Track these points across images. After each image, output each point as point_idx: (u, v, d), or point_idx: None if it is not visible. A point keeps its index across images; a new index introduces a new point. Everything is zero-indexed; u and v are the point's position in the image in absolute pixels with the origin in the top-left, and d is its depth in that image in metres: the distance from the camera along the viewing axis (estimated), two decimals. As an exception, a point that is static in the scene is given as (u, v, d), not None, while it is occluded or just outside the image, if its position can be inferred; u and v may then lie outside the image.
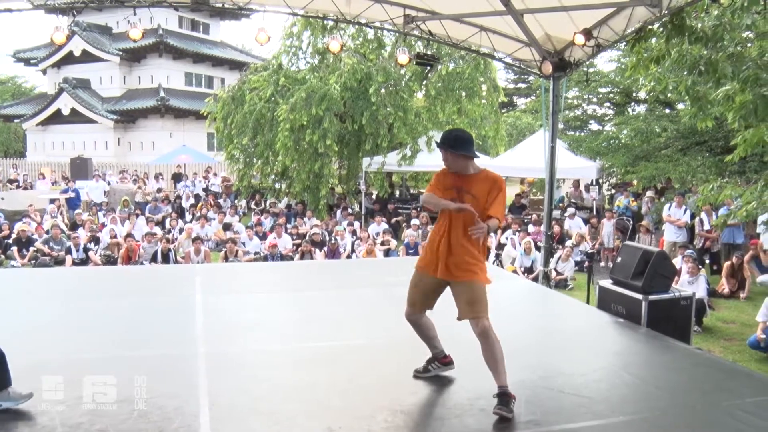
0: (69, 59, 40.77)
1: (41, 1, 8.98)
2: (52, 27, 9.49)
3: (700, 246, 13.19)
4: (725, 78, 7.79)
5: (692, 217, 13.39)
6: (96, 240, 14.58)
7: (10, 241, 14.06)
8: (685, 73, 8.51)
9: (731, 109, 7.96)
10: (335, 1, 9.61)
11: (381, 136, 18.94)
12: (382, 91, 19.13)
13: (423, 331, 4.76)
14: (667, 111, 20.77)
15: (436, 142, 4.48)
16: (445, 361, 4.85)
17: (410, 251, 13.82)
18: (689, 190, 14.78)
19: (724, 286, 11.49)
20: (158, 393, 4.39)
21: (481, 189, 4.35)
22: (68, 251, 13.59)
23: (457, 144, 4.39)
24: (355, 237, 15.30)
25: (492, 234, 14.82)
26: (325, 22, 15.44)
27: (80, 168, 24.61)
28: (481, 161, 16.50)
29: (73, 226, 16.18)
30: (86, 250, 13.89)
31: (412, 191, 23.50)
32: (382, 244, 14.69)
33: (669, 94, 16.51)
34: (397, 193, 23.10)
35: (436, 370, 4.85)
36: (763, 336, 8.12)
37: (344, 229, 15.80)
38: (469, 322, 4.35)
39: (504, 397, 4.23)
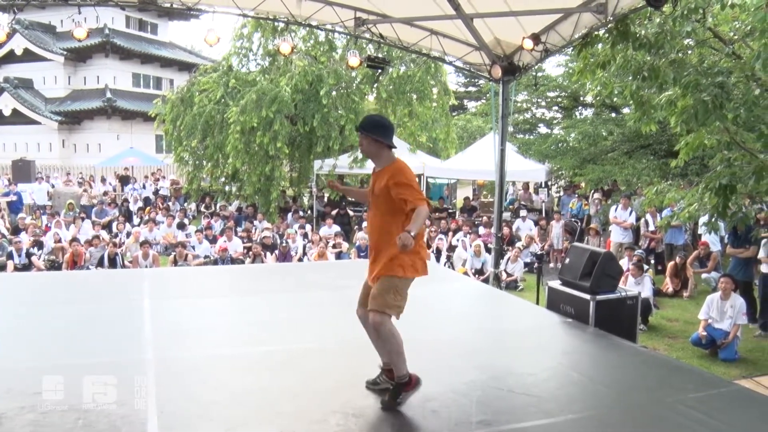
0: (10, 58, 39.57)
1: (-20, -2, 8.72)
2: (-9, 25, 9.20)
3: (645, 247, 13.53)
4: (667, 83, 8.00)
5: (637, 218, 13.73)
6: (39, 244, 14.18)
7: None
8: (630, 78, 8.70)
9: (673, 113, 8.17)
10: (286, 2, 9.56)
11: (332, 138, 18.91)
12: (333, 93, 19.13)
13: (370, 333, 4.58)
14: (613, 115, 21.25)
15: (355, 127, 4.37)
16: (391, 375, 4.50)
17: (362, 254, 13.82)
18: (635, 193, 15.13)
19: (668, 285, 11.79)
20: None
21: (381, 186, 4.23)
22: (9, 256, 13.16)
23: (372, 128, 4.29)
24: (306, 240, 15.24)
25: (443, 235, 14.98)
26: (276, 23, 15.34)
27: (22, 170, 23.99)
28: (433, 164, 16.55)
29: (15, 230, 15.72)
30: (29, 255, 13.48)
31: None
32: (334, 246, 14.66)
33: (615, 99, 16.87)
34: (349, 195, 23.07)
35: (384, 384, 4.58)
36: (705, 333, 8.37)
37: (295, 231, 15.71)
38: None
39: (393, 390, 4.37)
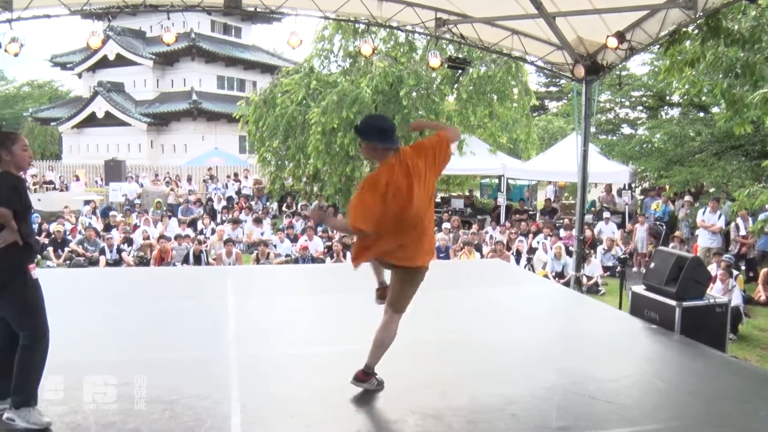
0: (103, 63, 41.39)
1: (78, 6, 9.14)
2: (87, 32, 9.67)
3: (735, 252, 12.94)
4: (763, 80, 7.67)
5: (727, 222, 13.15)
6: (129, 241, 14.79)
7: (46, 241, 14.30)
8: (721, 75, 8.39)
9: (769, 112, 7.84)
10: (367, 4, 9.64)
11: (412, 139, 18.88)
12: (414, 94, 19.14)
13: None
14: (702, 115, 20.50)
15: (354, 129, 4.41)
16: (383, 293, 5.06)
17: (441, 255, 13.76)
18: (728, 196, 14.51)
19: (760, 293, 11.27)
20: (190, 394, 4.44)
21: (420, 165, 4.37)
22: (102, 252, 13.80)
23: (368, 134, 4.27)
24: (385, 240, 15.25)
25: (523, 237, 14.77)
26: (357, 25, 15.50)
27: (114, 170, 25.05)
28: (513, 165, 16.38)
29: (107, 227, 16.43)
30: (119, 251, 14.09)
31: (441, 195, 23.46)
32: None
33: (703, 98, 16.31)
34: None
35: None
36: (801, 344, 7.97)
37: (375, 231, 15.74)
38: None
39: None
